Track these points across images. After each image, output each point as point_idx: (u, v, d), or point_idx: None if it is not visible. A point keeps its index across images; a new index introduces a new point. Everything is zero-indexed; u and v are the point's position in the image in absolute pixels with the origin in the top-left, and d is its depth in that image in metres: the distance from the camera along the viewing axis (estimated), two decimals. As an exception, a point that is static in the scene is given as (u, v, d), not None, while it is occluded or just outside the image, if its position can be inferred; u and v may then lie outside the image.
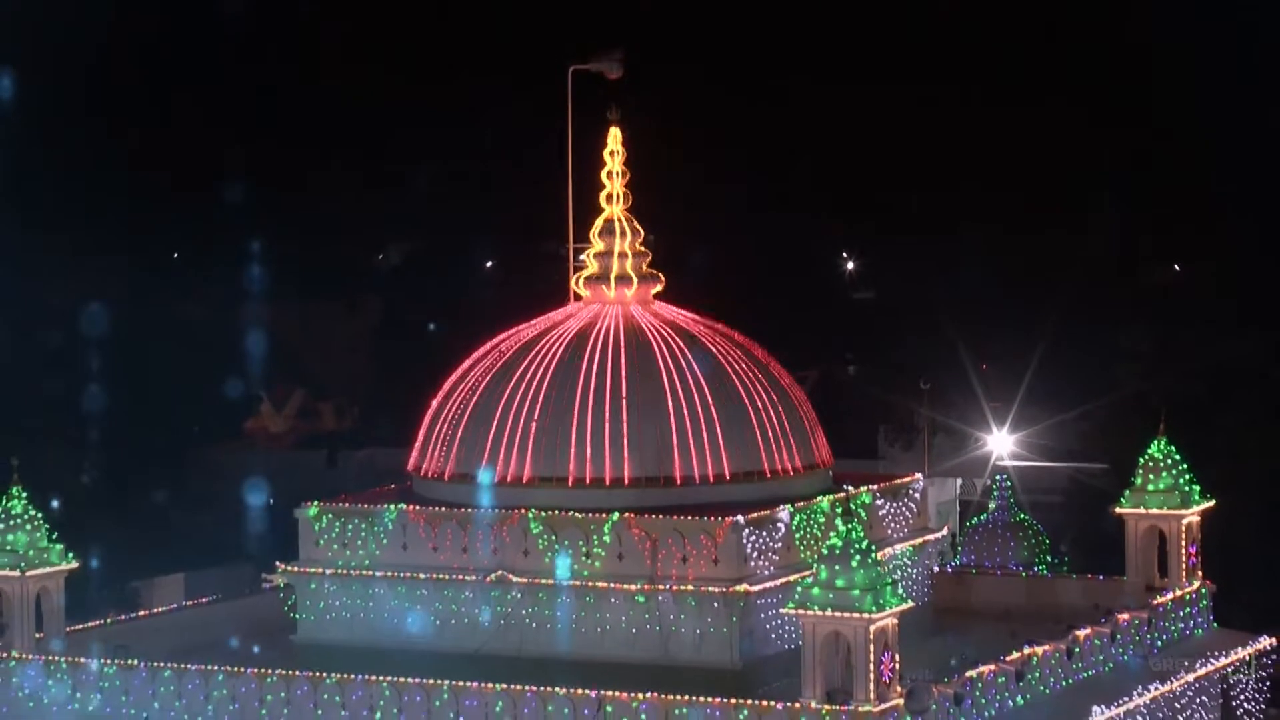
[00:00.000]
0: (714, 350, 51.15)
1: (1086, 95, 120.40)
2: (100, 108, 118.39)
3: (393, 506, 50.12)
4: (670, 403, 49.77)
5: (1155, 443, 53.74)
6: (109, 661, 47.56)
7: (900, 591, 43.46)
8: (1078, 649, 48.58)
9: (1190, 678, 51.37)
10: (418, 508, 49.96)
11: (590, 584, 47.83)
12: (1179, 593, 52.98)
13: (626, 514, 48.07)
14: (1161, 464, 53.44)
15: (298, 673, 46.15)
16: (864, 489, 51.48)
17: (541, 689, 44.21)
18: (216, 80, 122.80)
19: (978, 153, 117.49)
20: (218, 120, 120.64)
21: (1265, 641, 54.04)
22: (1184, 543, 53.34)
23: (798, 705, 42.45)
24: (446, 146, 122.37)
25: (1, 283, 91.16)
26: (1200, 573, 53.76)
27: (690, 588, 47.19)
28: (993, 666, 45.79)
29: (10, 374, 78.02)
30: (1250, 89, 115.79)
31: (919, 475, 54.87)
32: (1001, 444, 76.45)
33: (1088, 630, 49.29)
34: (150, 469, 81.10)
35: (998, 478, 60.35)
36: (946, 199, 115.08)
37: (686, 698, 43.30)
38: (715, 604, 47.08)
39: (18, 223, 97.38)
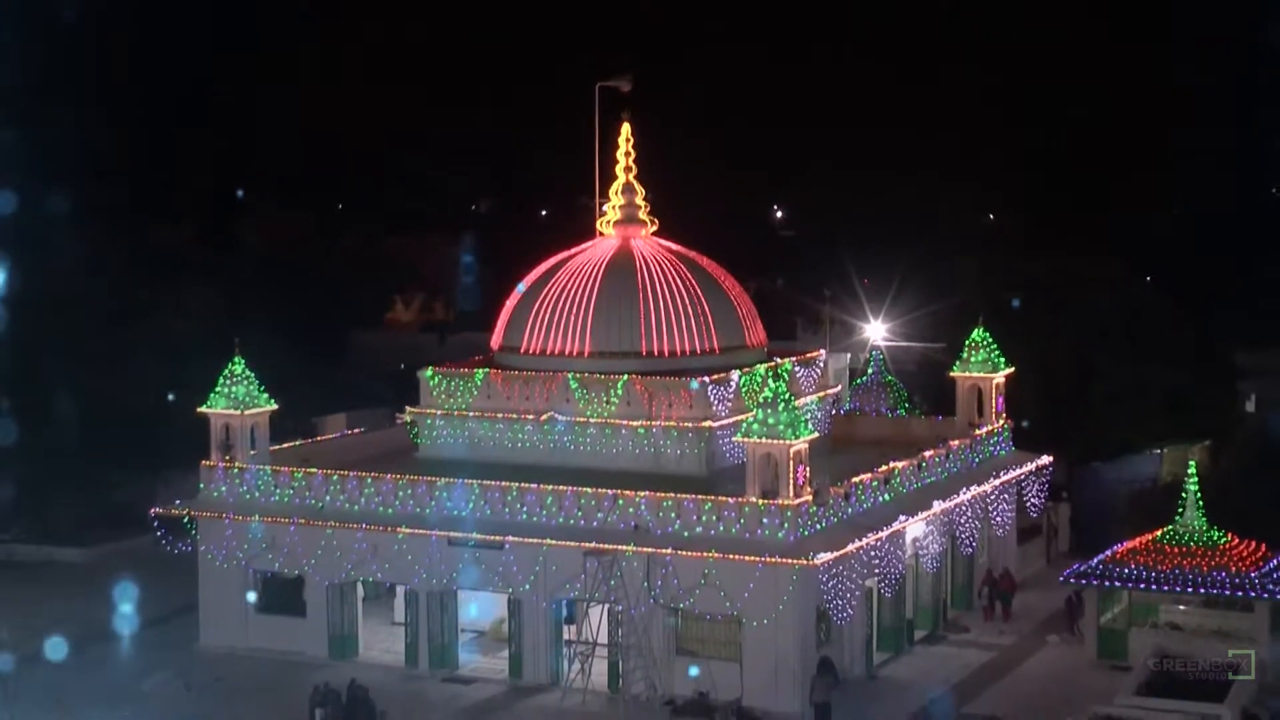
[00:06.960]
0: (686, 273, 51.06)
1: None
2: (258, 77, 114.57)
3: (480, 370, 50.13)
4: (662, 302, 49.69)
5: (976, 330, 53.75)
6: (297, 470, 47.88)
7: (810, 427, 43.68)
8: (924, 464, 48.76)
9: (997, 482, 51.62)
10: (497, 371, 49.94)
11: (608, 421, 47.93)
12: (990, 428, 53.07)
13: (632, 375, 48.10)
14: (980, 344, 53.48)
15: (418, 477, 46.43)
16: (787, 360, 51.50)
17: (576, 489, 44.49)
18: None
19: (876, 117, 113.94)
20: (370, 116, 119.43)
21: (1045, 459, 54.19)
22: (994, 395, 53.45)
23: (743, 500, 42.73)
24: (515, 136, 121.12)
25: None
26: (1004, 414, 53.86)
27: (674, 424, 47.30)
28: (869, 475, 46.01)
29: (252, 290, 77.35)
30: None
31: (823, 351, 54.79)
32: (876, 331, 76.01)
33: (931, 452, 49.46)
34: (325, 346, 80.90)
35: (874, 353, 60.36)
36: (848, 154, 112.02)
37: (671, 494, 43.55)
38: (690, 435, 47.19)
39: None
